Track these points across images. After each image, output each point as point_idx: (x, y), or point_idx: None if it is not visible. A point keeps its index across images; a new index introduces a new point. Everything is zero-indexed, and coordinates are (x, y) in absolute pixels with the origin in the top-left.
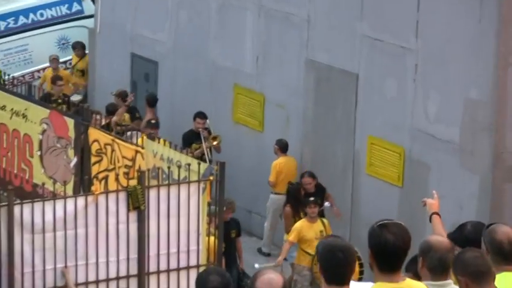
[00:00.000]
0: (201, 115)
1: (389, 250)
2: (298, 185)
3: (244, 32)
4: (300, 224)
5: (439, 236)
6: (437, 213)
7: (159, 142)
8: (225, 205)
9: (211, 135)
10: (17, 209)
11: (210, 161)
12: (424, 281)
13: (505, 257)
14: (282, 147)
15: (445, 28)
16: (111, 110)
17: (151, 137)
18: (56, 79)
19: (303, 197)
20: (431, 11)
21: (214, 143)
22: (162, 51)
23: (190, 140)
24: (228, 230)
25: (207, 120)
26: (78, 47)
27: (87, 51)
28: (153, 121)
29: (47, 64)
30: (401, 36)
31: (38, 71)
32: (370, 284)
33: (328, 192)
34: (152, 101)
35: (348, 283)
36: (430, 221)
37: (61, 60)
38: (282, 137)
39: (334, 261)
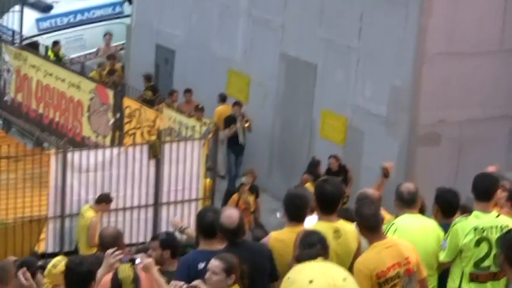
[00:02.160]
0: (238, 103)
1: (328, 197)
2: (318, 161)
3: (236, 32)
4: None
5: (370, 189)
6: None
7: (204, 122)
8: (248, 173)
9: (244, 119)
10: (69, 155)
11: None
12: None
13: (405, 202)
14: (222, 98)
15: (380, 34)
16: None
17: (199, 118)
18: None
19: (322, 173)
20: (370, 21)
21: (246, 124)
22: (178, 43)
23: (230, 122)
24: (251, 193)
25: (242, 107)
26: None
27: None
28: (200, 106)
29: (96, 48)
30: (348, 38)
31: (90, 53)
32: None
33: (349, 170)
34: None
35: (302, 222)
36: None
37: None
38: (260, 108)
39: (294, 205)
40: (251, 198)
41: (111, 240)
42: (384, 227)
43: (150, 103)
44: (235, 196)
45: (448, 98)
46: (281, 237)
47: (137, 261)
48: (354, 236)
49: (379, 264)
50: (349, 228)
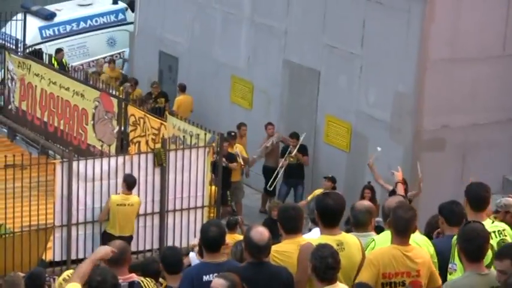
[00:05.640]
0: (294, 135)
1: (330, 211)
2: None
3: (239, 38)
4: None
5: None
6: (401, 182)
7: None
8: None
9: (292, 154)
10: (75, 164)
11: (279, 172)
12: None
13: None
14: (182, 87)
15: (382, 40)
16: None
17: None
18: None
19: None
20: (373, 28)
21: (291, 159)
22: (182, 50)
23: (285, 152)
24: None
25: (301, 138)
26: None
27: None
28: (232, 133)
29: (100, 56)
30: (351, 45)
31: (93, 61)
32: (317, 232)
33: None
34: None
35: (300, 232)
36: (396, 186)
37: (107, 54)
38: (264, 115)
39: (289, 217)
40: None
41: (119, 254)
42: (366, 241)
43: (158, 110)
44: None
45: (452, 103)
46: (282, 249)
47: None
48: (358, 248)
49: (389, 265)
50: (352, 241)
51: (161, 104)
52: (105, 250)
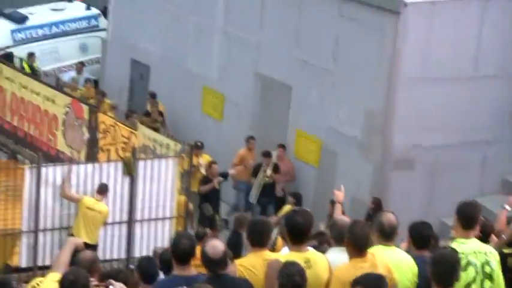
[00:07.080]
0: (266, 154)
1: (298, 228)
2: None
3: (212, 50)
4: None
5: (346, 217)
6: (340, 203)
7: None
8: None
9: (266, 173)
10: (43, 170)
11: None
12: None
13: (384, 235)
14: (152, 95)
15: (354, 58)
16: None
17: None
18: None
19: None
20: (346, 44)
21: (266, 178)
22: (154, 59)
23: (256, 170)
24: None
25: (273, 157)
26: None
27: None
28: (198, 143)
29: (72, 61)
30: (324, 61)
31: (64, 66)
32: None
33: None
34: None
35: (265, 247)
36: (334, 205)
37: (78, 60)
38: (235, 127)
39: (256, 231)
40: None
41: (88, 265)
42: None
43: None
44: None
45: (423, 122)
46: (247, 264)
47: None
48: (325, 267)
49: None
50: (320, 259)
51: (159, 122)
52: (75, 239)
